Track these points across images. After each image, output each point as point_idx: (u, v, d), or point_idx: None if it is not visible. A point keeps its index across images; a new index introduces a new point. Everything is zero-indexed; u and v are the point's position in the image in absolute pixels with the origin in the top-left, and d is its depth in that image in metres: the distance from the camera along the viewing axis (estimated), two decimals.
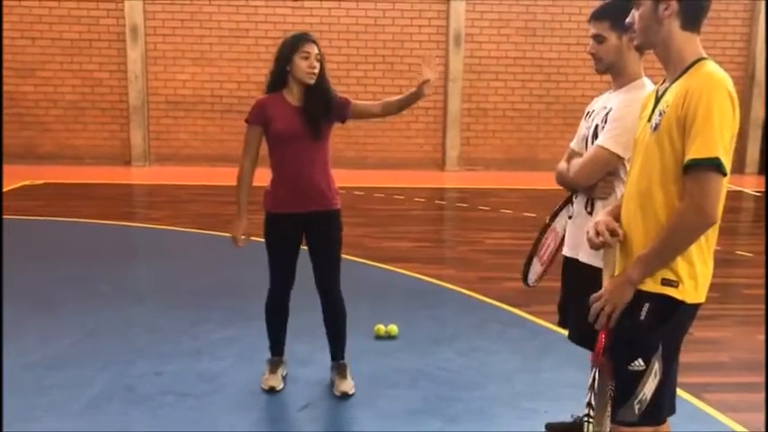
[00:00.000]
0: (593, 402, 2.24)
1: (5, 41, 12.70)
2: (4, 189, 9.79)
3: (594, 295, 2.28)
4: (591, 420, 2.23)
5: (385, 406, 3.63)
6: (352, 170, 11.86)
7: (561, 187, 3.08)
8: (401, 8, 13.29)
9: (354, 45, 13.12)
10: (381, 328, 4.59)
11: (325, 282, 3.72)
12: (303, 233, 3.68)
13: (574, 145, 3.07)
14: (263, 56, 13.16)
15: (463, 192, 11.35)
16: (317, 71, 3.52)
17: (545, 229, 3.20)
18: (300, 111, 3.53)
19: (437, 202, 10.54)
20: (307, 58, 3.49)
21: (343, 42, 13.01)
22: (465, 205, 9.99)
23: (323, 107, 3.55)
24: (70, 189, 10.60)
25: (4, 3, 12.56)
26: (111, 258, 6.67)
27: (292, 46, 3.50)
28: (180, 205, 9.52)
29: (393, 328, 4.60)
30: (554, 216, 3.18)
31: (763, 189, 11.33)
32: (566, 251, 3.07)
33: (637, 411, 2.20)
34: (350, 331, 3.86)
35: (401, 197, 9.96)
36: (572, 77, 13.50)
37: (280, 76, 3.55)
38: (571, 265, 3.00)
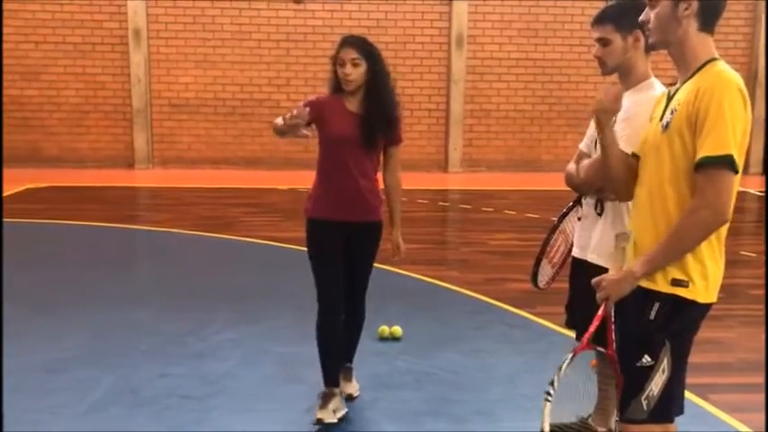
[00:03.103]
0: (555, 382, 2.28)
1: (10, 45, 12.73)
2: (8, 192, 9.81)
3: (595, 280, 2.30)
4: (549, 399, 2.27)
5: (389, 407, 3.63)
6: None
7: (569, 188, 3.07)
8: (403, 10, 13.30)
9: None
10: (385, 329, 4.59)
11: (357, 292, 3.60)
12: (346, 243, 3.47)
13: (583, 146, 3.06)
14: (265, 58, 13.18)
15: (466, 193, 11.34)
16: (351, 77, 3.32)
17: (553, 230, 3.18)
18: (357, 117, 3.38)
19: (440, 203, 10.54)
20: (342, 65, 3.33)
21: None
22: (468, 207, 9.98)
23: (381, 117, 3.39)
24: (74, 192, 10.62)
25: (8, 7, 12.60)
26: (114, 261, 6.67)
27: (335, 51, 3.37)
28: (183, 208, 9.53)
29: (397, 330, 4.60)
30: (562, 217, 3.18)
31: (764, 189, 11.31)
32: (575, 252, 3.07)
33: (645, 408, 2.21)
34: None
35: (404, 199, 9.94)
36: (575, 79, 13.49)
37: (335, 80, 3.41)
38: (580, 266, 3.00)
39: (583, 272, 2.94)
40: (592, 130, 3.01)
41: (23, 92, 12.98)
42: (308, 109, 3.14)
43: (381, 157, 3.58)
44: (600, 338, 2.36)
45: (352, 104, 3.41)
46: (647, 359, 2.19)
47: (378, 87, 3.39)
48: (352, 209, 3.43)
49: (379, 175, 3.56)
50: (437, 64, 13.53)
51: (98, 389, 3.78)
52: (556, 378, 2.27)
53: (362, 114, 3.38)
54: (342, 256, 3.47)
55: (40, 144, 13.17)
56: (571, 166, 3.05)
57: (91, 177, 11.91)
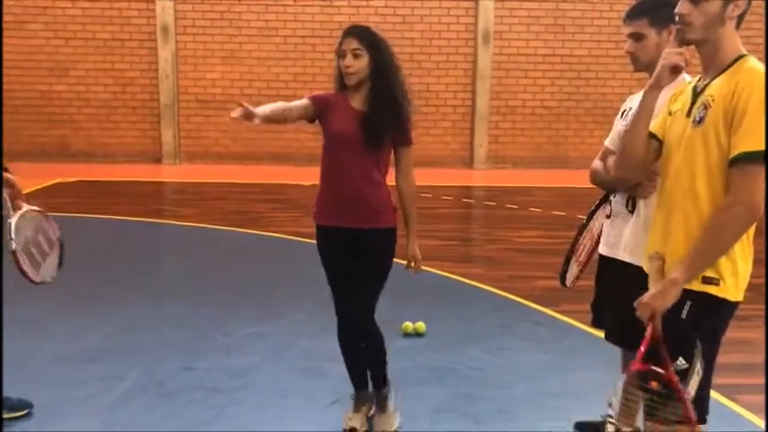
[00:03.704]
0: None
1: (40, 41, 12.92)
2: (39, 186, 9.96)
3: (637, 301, 2.24)
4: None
5: (411, 403, 3.63)
6: None
7: (595, 186, 3.04)
8: (429, 6, 13.26)
9: None
10: (409, 325, 4.59)
11: (362, 306, 3.22)
12: (354, 252, 3.20)
13: (609, 143, 3.02)
14: (291, 54, 13.23)
15: (491, 190, 11.29)
16: (352, 70, 3.04)
17: (582, 229, 3.12)
18: (360, 115, 3.09)
19: (464, 200, 10.50)
20: (343, 57, 3.06)
21: None
22: (493, 203, 9.94)
23: (387, 115, 3.07)
24: (102, 186, 10.76)
25: (38, 3, 12.79)
26: (141, 255, 6.75)
27: (338, 43, 3.09)
28: (209, 203, 9.61)
29: (421, 326, 4.60)
30: (591, 216, 3.13)
31: None
32: (603, 250, 3.01)
33: (682, 411, 2.18)
34: None
35: (428, 195, 9.94)
36: (602, 75, 13.36)
37: (340, 75, 3.12)
38: (609, 264, 2.95)
39: (612, 271, 2.90)
40: (618, 126, 2.97)
41: (52, 87, 13.16)
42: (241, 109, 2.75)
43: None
44: (651, 357, 2.23)
45: (357, 101, 3.13)
46: (681, 361, 2.16)
47: (384, 82, 3.08)
48: (353, 215, 3.15)
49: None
50: (463, 60, 13.48)
51: (125, 381, 3.83)
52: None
53: (366, 111, 3.09)
54: (352, 266, 3.19)
55: (70, 139, 13.35)
56: (597, 163, 3.02)
57: (119, 172, 12.05)
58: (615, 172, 2.79)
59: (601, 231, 3.09)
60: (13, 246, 3.13)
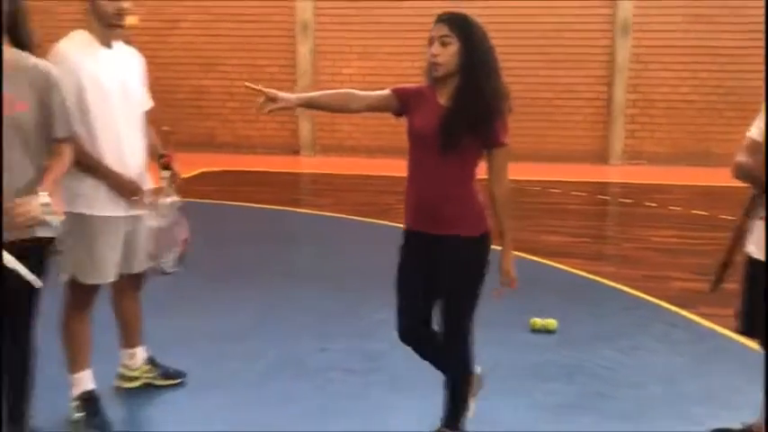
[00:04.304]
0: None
1: (190, 38, 13.79)
2: (186, 175, 10.65)
3: None
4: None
5: (540, 398, 3.65)
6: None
7: (742, 182, 2.91)
8: None
9: (509, 35, 12.90)
10: (537, 321, 4.59)
11: (447, 326, 2.97)
12: (431, 261, 2.94)
13: (755, 135, 2.88)
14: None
15: (627, 187, 10.92)
16: (439, 59, 2.74)
17: (740, 233, 2.96)
18: (444, 110, 2.80)
19: (599, 196, 10.23)
20: (430, 45, 2.78)
21: (502, 34, 12.90)
22: (629, 201, 9.62)
23: (471, 111, 2.75)
24: (243, 176, 11.37)
25: (186, 3, 13.65)
26: (279, 241, 7.12)
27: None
28: (341, 194, 9.95)
29: (551, 323, 4.58)
30: (746, 216, 2.95)
31: None
32: (754, 253, 2.88)
33: None
34: (503, 321, 3.83)
35: (557, 191, 9.77)
36: (749, 68, 12.53)
37: (428, 66, 2.85)
38: (760, 267, 2.82)
39: (763, 274, 2.77)
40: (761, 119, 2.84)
41: (201, 82, 14.01)
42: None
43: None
44: None
45: (443, 95, 2.83)
46: None
47: (473, 75, 2.74)
48: (430, 219, 2.89)
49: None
50: (600, 52, 13.08)
51: (267, 359, 4.10)
52: None
53: (449, 106, 2.80)
54: (426, 276, 2.96)
55: (217, 131, 14.17)
56: (743, 158, 2.88)
57: (259, 163, 12.67)
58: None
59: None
60: (162, 222, 3.40)
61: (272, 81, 13.91)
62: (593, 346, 4.34)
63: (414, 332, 3.05)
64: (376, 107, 2.96)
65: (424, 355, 3.13)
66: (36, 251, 2.71)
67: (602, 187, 11.04)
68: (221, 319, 4.75)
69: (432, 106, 2.82)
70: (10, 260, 2.53)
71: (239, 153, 13.67)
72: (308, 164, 13.20)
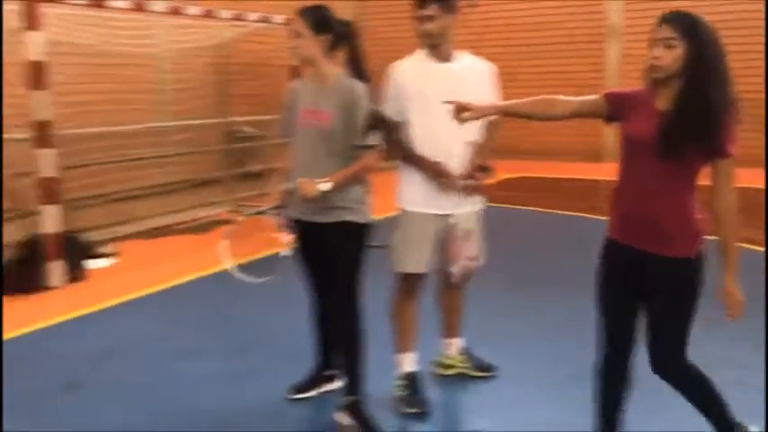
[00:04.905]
0: None
1: (496, 50, 14.28)
2: (497, 180, 11.09)
3: None
4: None
5: None
6: None
7: None
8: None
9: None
10: None
11: (659, 358, 2.75)
12: (643, 280, 2.75)
13: None
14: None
15: None
16: (661, 63, 2.54)
17: None
18: (660, 116, 2.60)
19: None
20: (652, 47, 2.59)
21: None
22: None
23: (694, 117, 2.52)
24: (542, 182, 11.51)
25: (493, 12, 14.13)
26: (574, 248, 7.16)
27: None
28: None
29: None
30: None
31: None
32: None
33: None
34: None
35: None
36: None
37: (647, 69, 2.68)
38: None
39: None
40: None
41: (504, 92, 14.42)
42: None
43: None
44: None
45: (663, 100, 2.62)
46: None
47: (699, 78, 2.51)
48: (642, 234, 2.68)
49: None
50: None
51: (571, 364, 4.16)
52: None
53: (669, 111, 2.58)
54: (633, 296, 2.78)
55: (521, 139, 14.49)
56: None
57: (558, 170, 12.70)
58: None
59: None
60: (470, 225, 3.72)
61: (580, 87, 13.82)
62: None
63: (623, 365, 2.90)
64: (583, 113, 2.83)
65: (609, 395, 2.97)
66: (339, 233, 3.32)
67: None
68: (527, 321, 5.01)
69: (649, 111, 2.63)
70: (227, 262, 3.37)
71: (540, 160, 13.83)
72: (608, 171, 12.86)
